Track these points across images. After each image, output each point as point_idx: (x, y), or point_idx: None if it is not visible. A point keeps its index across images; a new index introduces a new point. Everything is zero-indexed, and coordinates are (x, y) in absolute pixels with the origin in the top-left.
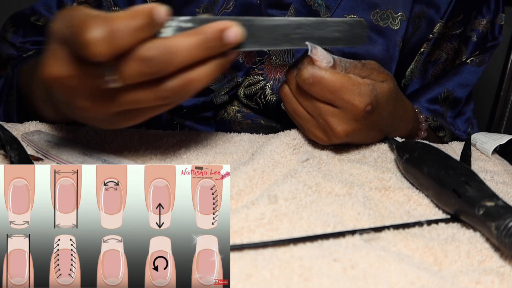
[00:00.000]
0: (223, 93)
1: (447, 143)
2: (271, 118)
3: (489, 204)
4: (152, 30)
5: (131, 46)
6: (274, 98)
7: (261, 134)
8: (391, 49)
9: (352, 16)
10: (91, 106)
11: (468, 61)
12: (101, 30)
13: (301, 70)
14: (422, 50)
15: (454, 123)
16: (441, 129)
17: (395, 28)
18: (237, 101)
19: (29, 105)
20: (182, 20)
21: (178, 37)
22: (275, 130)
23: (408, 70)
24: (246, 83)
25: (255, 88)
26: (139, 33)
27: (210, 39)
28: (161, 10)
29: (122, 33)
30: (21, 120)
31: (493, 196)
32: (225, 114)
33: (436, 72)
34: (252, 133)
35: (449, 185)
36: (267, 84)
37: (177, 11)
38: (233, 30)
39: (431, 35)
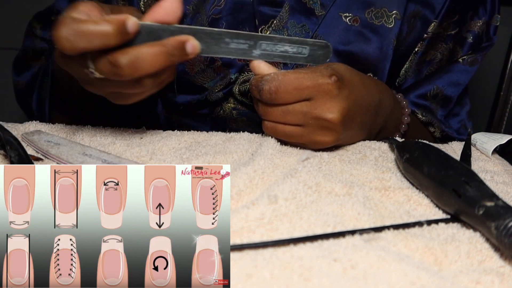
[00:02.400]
0: (217, 90)
1: (439, 139)
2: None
3: (489, 204)
4: (122, 38)
5: (99, 47)
6: None
7: (261, 134)
8: (385, 47)
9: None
10: (88, 87)
11: (460, 59)
12: (67, 29)
13: (257, 88)
14: (416, 49)
15: (445, 122)
16: (431, 125)
17: (389, 26)
18: (232, 98)
19: (64, 87)
20: (150, 29)
21: (145, 47)
22: None
23: (403, 69)
24: (241, 80)
25: (249, 85)
26: (107, 38)
27: (172, 50)
28: (131, 22)
29: (87, 35)
30: (52, 107)
31: (493, 196)
32: (221, 111)
33: (430, 71)
34: (248, 130)
35: (449, 185)
36: None
37: None
38: (191, 43)
39: (425, 35)
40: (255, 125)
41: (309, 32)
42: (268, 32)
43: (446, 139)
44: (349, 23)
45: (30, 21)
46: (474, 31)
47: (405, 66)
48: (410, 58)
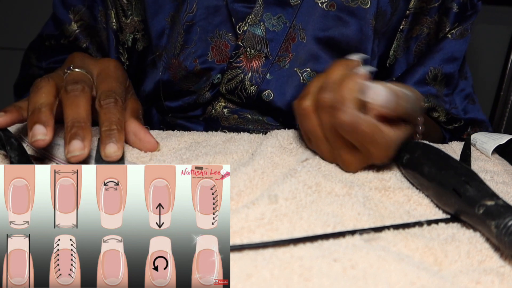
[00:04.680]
0: (203, 92)
1: (444, 123)
2: (256, 111)
3: (489, 203)
4: None
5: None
6: (254, 90)
7: (261, 134)
8: (364, 28)
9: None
10: None
11: (448, 35)
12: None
13: (341, 110)
14: (401, 27)
15: (452, 100)
16: (434, 110)
17: (366, 7)
18: (222, 97)
19: None
20: None
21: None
22: (262, 123)
23: (391, 49)
24: (226, 79)
25: (235, 82)
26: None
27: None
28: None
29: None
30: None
31: (493, 195)
32: (213, 111)
33: (420, 47)
34: (240, 126)
35: (449, 185)
36: (246, 77)
37: (149, 22)
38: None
39: (407, 11)
40: (246, 122)
41: (286, 22)
42: (246, 28)
43: (451, 121)
44: (326, 9)
45: (25, 52)
46: (459, 0)
47: (393, 45)
48: (396, 37)
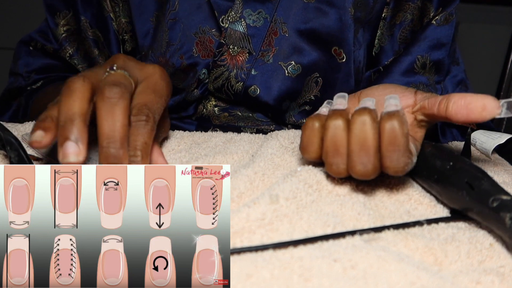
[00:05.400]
0: (191, 90)
1: None
2: (246, 108)
3: (504, 197)
4: None
5: None
6: (240, 86)
7: (261, 134)
8: (343, 17)
9: None
10: None
11: (433, 21)
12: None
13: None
14: (384, 15)
15: (444, 87)
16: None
17: None
18: (212, 95)
19: None
20: None
21: None
22: (252, 120)
23: (376, 38)
24: (213, 77)
25: (221, 80)
26: None
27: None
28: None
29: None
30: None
31: (507, 192)
32: (204, 110)
33: (404, 34)
34: (231, 124)
35: (463, 178)
36: (231, 74)
37: (135, 22)
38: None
39: None
40: (237, 119)
41: (267, 17)
42: (227, 25)
43: None
44: (305, 1)
45: (14, 54)
46: None
47: (377, 33)
48: (380, 25)
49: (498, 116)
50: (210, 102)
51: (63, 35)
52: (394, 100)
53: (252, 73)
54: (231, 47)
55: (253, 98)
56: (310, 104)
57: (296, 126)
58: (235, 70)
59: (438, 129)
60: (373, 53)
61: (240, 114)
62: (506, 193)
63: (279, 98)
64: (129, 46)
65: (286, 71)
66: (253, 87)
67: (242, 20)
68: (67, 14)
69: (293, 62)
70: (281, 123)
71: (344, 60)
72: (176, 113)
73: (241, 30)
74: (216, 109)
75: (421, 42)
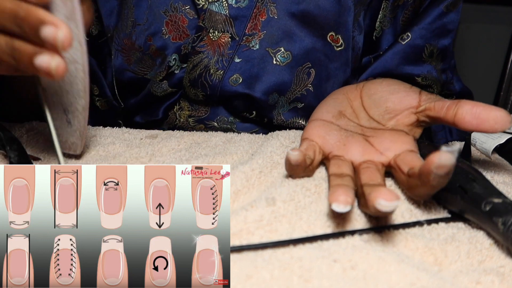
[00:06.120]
0: (159, 80)
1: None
2: (225, 108)
3: (496, 200)
4: None
5: None
6: (220, 75)
7: (261, 134)
8: None
9: None
10: None
11: (442, 8)
12: None
13: None
14: None
15: (448, 75)
16: (429, 86)
17: None
18: (187, 102)
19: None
20: None
21: None
22: (230, 132)
23: (377, 20)
24: (190, 66)
25: (199, 69)
26: None
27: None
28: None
29: None
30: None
31: (500, 194)
32: (177, 121)
33: (407, 16)
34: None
35: (455, 182)
36: (211, 61)
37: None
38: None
39: None
40: (212, 130)
41: None
42: (205, 5)
43: (446, 96)
44: None
45: None
46: None
47: (379, 16)
48: (382, 7)
49: (507, 131)
50: (184, 112)
51: None
52: None
53: (236, 60)
54: (211, 31)
55: (233, 92)
56: (302, 101)
57: (285, 127)
58: (215, 57)
59: None
60: (374, 37)
61: (217, 125)
62: (499, 195)
63: (266, 90)
64: (95, 29)
65: (274, 59)
66: (234, 76)
67: (225, 0)
68: None
69: (282, 49)
70: (267, 125)
71: (342, 48)
72: (143, 117)
73: (222, 12)
74: (190, 120)
75: (425, 25)
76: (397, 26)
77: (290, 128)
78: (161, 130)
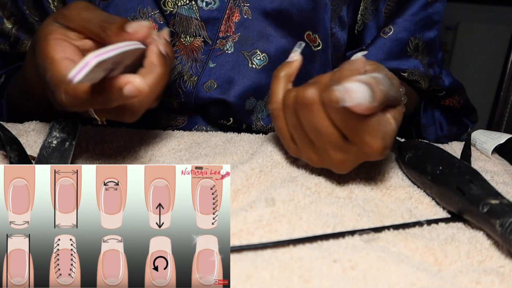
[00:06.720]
0: None
1: (426, 91)
2: (202, 117)
3: (493, 202)
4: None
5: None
6: (195, 81)
7: (261, 134)
8: None
9: None
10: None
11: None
12: (64, 95)
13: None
14: None
15: (436, 69)
16: (416, 82)
17: None
18: (162, 111)
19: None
20: None
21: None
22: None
23: (358, 14)
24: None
25: (173, 76)
26: (106, 104)
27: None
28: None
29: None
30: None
31: (497, 194)
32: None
33: (390, 7)
34: None
35: (453, 183)
36: (184, 68)
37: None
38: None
39: None
40: None
41: None
42: (174, 9)
43: (436, 91)
44: None
45: None
46: None
47: (360, 8)
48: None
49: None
50: (162, 121)
51: (14, 28)
52: None
53: (210, 65)
54: (182, 36)
55: (207, 99)
56: None
57: (265, 132)
58: (189, 63)
59: (421, 108)
60: (356, 30)
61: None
62: (496, 196)
63: (242, 95)
64: None
65: (250, 62)
66: (209, 82)
67: (193, 2)
68: (6, 2)
69: (258, 51)
70: (247, 132)
71: (320, 48)
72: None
73: (192, 15)
74: (169, 130)
75: (409, 16)
76: (379, 19)
77: (268, 132)
78: (161, 130)
